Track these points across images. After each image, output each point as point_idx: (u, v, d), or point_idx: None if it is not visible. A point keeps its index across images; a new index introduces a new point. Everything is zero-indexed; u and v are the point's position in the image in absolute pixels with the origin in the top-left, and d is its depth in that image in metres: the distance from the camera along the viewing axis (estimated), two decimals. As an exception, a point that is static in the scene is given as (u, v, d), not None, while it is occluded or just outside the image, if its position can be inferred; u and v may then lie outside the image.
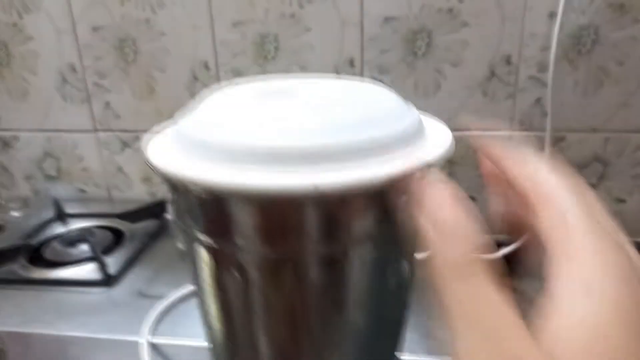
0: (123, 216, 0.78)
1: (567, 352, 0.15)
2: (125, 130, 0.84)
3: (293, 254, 0.22)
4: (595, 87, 0.72)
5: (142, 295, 0.61)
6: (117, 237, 0.75)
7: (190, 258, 0.26)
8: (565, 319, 0.16)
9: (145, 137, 0.26)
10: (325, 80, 0.26)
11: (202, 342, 0.52)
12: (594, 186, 0.77)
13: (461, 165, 0.70)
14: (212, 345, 0.29)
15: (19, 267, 0.67)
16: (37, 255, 0.70)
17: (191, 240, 0.24)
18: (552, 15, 0.68)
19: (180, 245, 0.71)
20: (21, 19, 0.78)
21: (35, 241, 0.74)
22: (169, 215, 0.81)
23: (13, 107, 0.85)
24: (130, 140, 0.85)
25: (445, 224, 0.18)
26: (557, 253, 0.17)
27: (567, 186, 0.18)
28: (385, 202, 0.21)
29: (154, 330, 0.54)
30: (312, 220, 0.21)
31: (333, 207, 0.21)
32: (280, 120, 0.21)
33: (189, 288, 0.60)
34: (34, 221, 0.80)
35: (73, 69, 0.81)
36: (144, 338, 0.52)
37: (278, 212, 0.21)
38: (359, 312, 0.24)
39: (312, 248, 0.21)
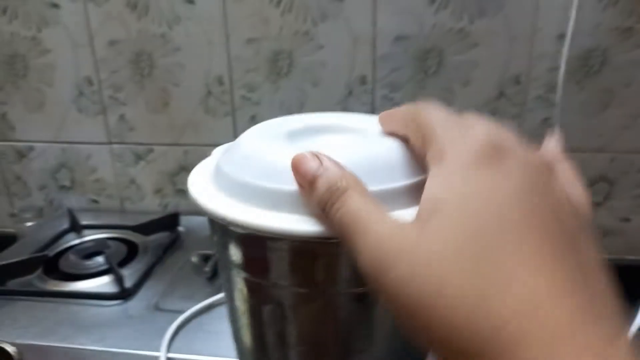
0: (137, 228, 0.79)
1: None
2: (139, 143, 0.85)
3: (324, 291, 0.23)
4: (602, 108, 0.73)
5: (158, 309, 0.62)
6: (131, 249, 0.76)
7: (226, 287, 0.27)
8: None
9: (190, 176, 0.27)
10: (360, 118, 0.28)
11: (218, 358, 0.53)
12: (599, 205, 0.78)
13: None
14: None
15: (36, 279, 0.69)
16: (53, 267, 0.71)
17: (228, 270, 0.26)
18: (561, 36, 0.70)
19: (194, 259, 0.72)
20: (39, 33, 0.80)
21: (50, 252, 0.75)
22: (182, 228, 0.82)
23: (29, 119, 0.87)
24: (144, 153, 0.86)
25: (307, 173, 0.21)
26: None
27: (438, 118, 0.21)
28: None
29: (171, 346, 0.55)
30: (341, 263, 0.22)
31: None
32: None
33: (205, 302, 0.61)
34: (49, 231, 0.81)
35: (89, 82, 0.82)
36: (162, 353, 0.54)
37: (310, 253, 0.22)
38: (384, 347, 0.25)
39: (341, 286, 0.23)
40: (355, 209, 0.20)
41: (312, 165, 0.21)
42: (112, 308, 0.63)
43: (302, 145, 0.24)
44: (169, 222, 0.81)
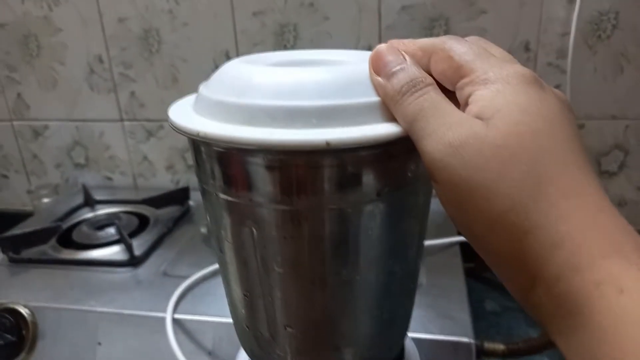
0: (148, 202, 0.80)
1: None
2: (150, 120, 0.87)
3: (306, 207, 0.23)
4: (615, 73, 0.71)
5: (166, 275, 0.64)
6: (143, 222, 0.78)
7: (210, 214, 0.27)
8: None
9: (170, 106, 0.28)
10: (339, 51, 0.28)
11: (222, 319, 0.54)
12: (614, 174, 0.76)
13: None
14: (230, 300, 0.30)
15: (49, 248, 0.70)
16: (67, 238, 0.73)
17: (209, 197, 0.26)
18: (571, 0, 0.68)
19: (203, 230, 0.73)
20: (51, 12, 0.82)
21: (65, 224, 0.77)
22: (192, 202, 0.83)
23: (43, 98, 0.89)
24: (155, 130, 0.87)
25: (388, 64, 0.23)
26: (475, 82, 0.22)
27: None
28: (393, 160, 0.23)
29: (177, 307, 0.56)
30: (324, 176, 0.22)
31: (344, 163, 0.22)
32: (295, 83, 0.22)
33: (211, 268, 0.62)
34: (64, 206, 0.83)
35: (100, 59, 0.84)
36: (168, 314, 0.55)
37: (291, 167, 0.22)
38: (371, 266, 0.25)
39: (323, 202, 0.23)
40: (437, 97, 0.22)
41: (396, 58, 0.23)
42: (122, 274, 0.64)
43: (279, 68, 0.24)
44: (180, 195, 0.82)
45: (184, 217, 0.79)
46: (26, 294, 0.60)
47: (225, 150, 0.23)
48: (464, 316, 0.52)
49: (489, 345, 0.53)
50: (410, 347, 0.35)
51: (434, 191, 0.27)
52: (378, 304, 0.27)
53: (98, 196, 0.85)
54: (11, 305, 0.58)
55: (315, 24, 0.75)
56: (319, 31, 0.76)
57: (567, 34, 0.70)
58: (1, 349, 0.56)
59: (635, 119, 0.73)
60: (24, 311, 0.58)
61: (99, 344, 0.56)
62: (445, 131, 0.21)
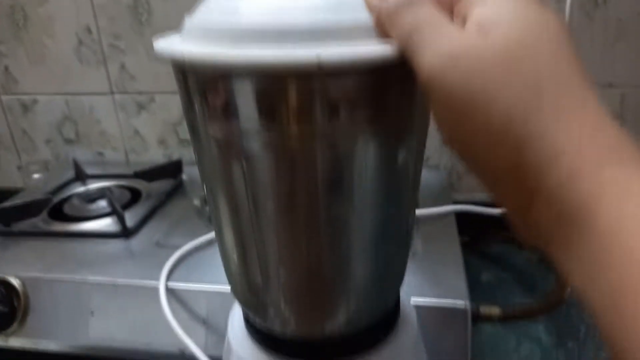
0: (140, 175, 0.79)
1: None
2: (141, 92, 0.85)
3: (297, 137, 0.22)
4: (613, 41, 0.70)
5: (159, 245, 0.63)
6: (135, 195, 0.77)
7: (200, 155, 0.26)
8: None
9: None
10: None
11: (216, 286, 0.53)
12: (610, 143, 0.76)
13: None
14: (223, 250, 0.29)
15: (40, 221, 0.69)
16: (58, 211, 0.72)
17: (199, 133, 0.25)
18: (568, -35, 0.67)
19: (197, 202, 0.72)
20: (37, -19, 0.80)
21: (56, 198, 0.76)
22: (185, 176, 0.82)
23: (31, 71, 0.87)
24: (146, 103, 0.86)
25: None
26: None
27: None
28: (388, 87, 0.22)
29: (171, 276, 0.55)
30: (315, 100, 0.21)
31: (336, 86, 0.21)
32: (283, 1, 0.21)
33: (205, 237, 0.61)
34: (55, 182, 0.82)
35: (89, 30, 0.82)
36: (161, 283, 0.54)
37: (281, 87, 0.21)
38: (365, 205, 0.25)
39: (315, 131, 0.22)
40: (433, 12, 0.21)
41: None
42: (114, 245, 0.63)
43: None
44: (172, 169, 0.81)
45: (177, 190, 0.78)
46: (17, 266, 0.60)
47: (213, 75, 0.22)
48: (460, 282, 0.52)
49: (484, 309, 0.53)
50: (406, 304, 0.35)
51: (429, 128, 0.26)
52: (372, 247, 0.26)
53: (89, 171, 0.84)
54: (2, 276, 0.57)
55: None
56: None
57: (563, 0, 0.68)
58: (-7, 319, 0.56)
59: (632, 87, 0.72)
60: (15, 282, 0.57)
61: (92, 313, 0.55)
62: (442, 43, 0.20)
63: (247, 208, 0.25)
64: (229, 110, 0.22)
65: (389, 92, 0.23)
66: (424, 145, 0.28)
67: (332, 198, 0.24)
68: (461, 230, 0.64)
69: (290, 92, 0.21)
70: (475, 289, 0.66)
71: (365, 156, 0.24)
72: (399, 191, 0.26)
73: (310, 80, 0.21)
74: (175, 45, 0.23)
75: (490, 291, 0.69)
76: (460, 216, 0.67)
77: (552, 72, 0.19)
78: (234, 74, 0.21)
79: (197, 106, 0.24)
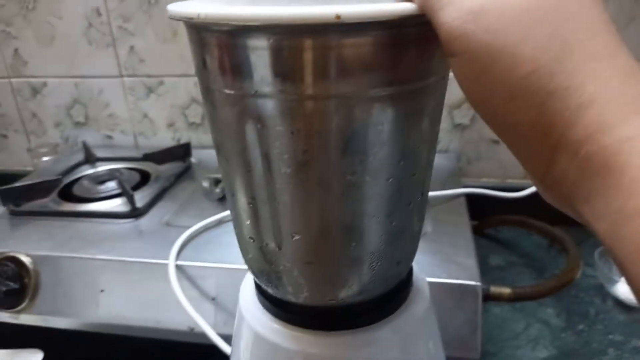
0: (149, 157, 0.79)
1: None
2: (150, 75, 0.85)
3: (313, 96, 0.22)
4: (627, 21, 0.69)
5: (168, 225, 0.63)
6: (144, 177, 0.77)
7: (213, 118, 0.26)
8: None
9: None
10: None
11: (225, 264, 0.54)
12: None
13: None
14: (235, 215, 0.29)
15: (50, 201, 0.70)
16: (67, 192, 0.72)
17: (213, 94, 0.25)
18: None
19: (205, 184, 0.72)
20: (46, -38, 0.79)
21: (65, 179, 0.76)
22: (194, 159, 0.82)
23: (41, 54, 0.87)
24: (155, 86, 0.86)
25: None
26: None
27: None
28: (407, 46, 0.21)
29: (180, 255, 0.56)
30: (332, 58, 0.21)
31: (354, 44, 0.21)
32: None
33: (214, 217, 0.61)
34: (64, 164, 0.82)
35: (98, 12, 0.82)
36: (170, 260, 0.54)
37: (298, 47, 0.21)
38: (380, 167, 0.24)
39: (332, 90, 0.22)
40: None
41: None
42: (124, 225, 0.64)
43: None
44: (181, 152, 0.81)
45: (186, 173, 0.79)
46: (27, 244, 0.60)
47: (228, 34, 0.22)
48: (470, 261, 0.52)
49: (495, 289, 0.52)
50: (419, 276, 0.35)
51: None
52: (387, 210, 0.26)
53: (99, 154, 0.84)
54: (12, 254, 0.58)
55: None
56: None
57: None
58: (4, 296, 0.56)
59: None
60: (25, 259, 0.57)
61: (102, 291, 0.55)
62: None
63: (260, 169, 0.25)
64: (244, 70, 0.22)
65: (406, 52, 0.23)
66: (441, 108, 0.27)
67: (348, 159, 0.24)
68: (471, 214, 0.63)
69: (306, 52, 0.21)
70: (485, 272, 0.66)
71: (381, 118, 0.23)
72: (414, 154, 0.26)
73: (328, 39, 0.21)
74: (190, 5, 0.22)
75: (500, 275, 0.69)
76: (470, 200, 0.66)
77: (577, 23, 0.19)
78: (250, 34, 0.21)
79: (210, 66, 0.24)
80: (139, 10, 0.80)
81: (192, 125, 0.88)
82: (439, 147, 0.80)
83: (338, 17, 0.19)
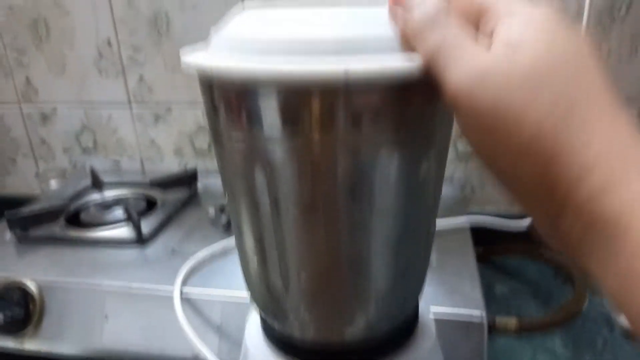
0: (156, 184, 0.80)
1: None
2: (158, 103, 0.86)
3: (321, 144, 0.23)
4: (629, 55, 0.70)
5: (174, 252, 0.63)
6: (150, 204, 0.77)
7: (222, 161, 0.27)
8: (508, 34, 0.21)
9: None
10: None
11: (231, 292, 0.54)
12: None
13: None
14: (242, 253, 0.30)
15: (57, 227, 0.70)
16: (74, 218, 0.73)
17: (222, 138, 0.25)
18: (584, -21, 0.67)
19: (211, 211, 0.72)
20: (60, -6, 0.82)
21: (72, 205, 0.77)
22: (200, 185, 0.83)
23: (52, 81, 0.89)
24: (163, 113, 0.87)
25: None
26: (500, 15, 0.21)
27: None
28: (413, 98, 0.22)
29: (186, 283, 0.56)
30: (341, 110, 0.22)
31: (362, 97, 0.22)
32: (313, 16, 0.22)
33: (220, 245, 0.62)
34: (71, 189, 0.83)
35: (109, 42, 0.84)
36: (176, 288, 0.54)
37: (307, 100, 0.22)
38: (387, 210, 0.25)
39: (340, 139, 0.22)
40: (460, 30, 0.21)
41: None
42: (130, 252, 0.64)
43: (296, 4, 0.24)
44: (188, 178, 0.81)
45: (192, 200, 0.79)
46: (33, 270, 0.60)
47: (239, 85, 0.23)
48: (475, 292, 0.52)
49: (500, 320, 0.52)
50: (424, 312, 0.35)
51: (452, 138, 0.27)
52: (394, 250, 0.26)
53: (106, 179, 0.85)
54: (18, 280, 0.58)
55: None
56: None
57: (581, 14, 0.69)
58: (9, 322, 0.56)
59: (648, 102, 0.72)
60: (31, 286, 0.58)
61: (106, 318, 0.56)
62: (469, 61, 0.20)
63: (268, 213, 0.25)
64: (254, 120, 0.23)
65: (412, 104, 0.23)
66: (446, 154, 0.28)
67: (353, 206, 0.24)
68: (475, 242, 0.63)
69: (314, 104, 0.22)
70: (490, 301, 0.65)
71: (387, 165, 0.24)
72: (419, 200, 0.26)
73: (336, 92, 0.22)
74: (202, 57, 0.23)
75: (505, 303, 0.69)
76: (475, 228, 0.67)
77: (581, 87, 0.19)
78: (261, 87, 0.22)
79: (221, 114, 0.25)
80: (148, 41, 0.82)
81: (199, 151, 0.89)
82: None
83: (347, 73, 0.20)
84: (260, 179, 0.25)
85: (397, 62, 0.21)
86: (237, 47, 0.22)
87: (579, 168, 0.18)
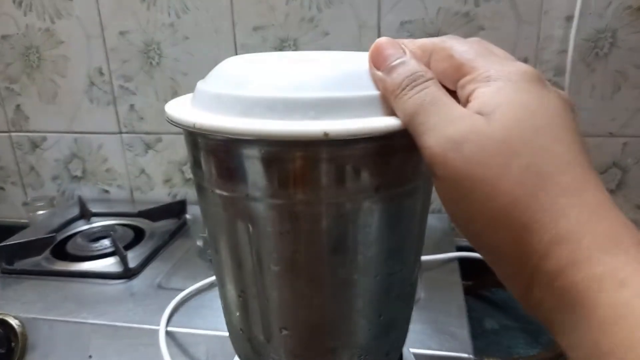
0: (144, 214, 0.80)
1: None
2: (148, 132, 0.86)
3: (303, 202, 0.23)
4: (613, 91, 0.72)
5: (161, 287, 0.63)
6: (138, 234, 0.77)
7: (205, 212, 0.27)
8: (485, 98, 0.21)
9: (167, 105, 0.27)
10: (341, 52, 0.28)
11: (216, 332, 0.53)
12: (612, 192, 0.76)
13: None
14: (225, 303, 0.29)
15: (43, 260, 0.69)
16: (61, 249, 0.72)
17: (206, 192, 0.26)
18: (569, 18, 0.69)
19: (200, 243, 0.72)
20: (53, 24, 0.82)
21: (59, 236, 0.76)
22: (189, 215, 0.83)
23: (42, 109, 0.89)
24: (153, 143, 0.87)
25: (387, 58, 0.23)
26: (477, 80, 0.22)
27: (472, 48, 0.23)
28: (392, 155, 0.22)
29: (171, 320, 0.55)
30: (321, 169, 0.22)
31: (342, 156, 0.22)
32: (294, 75, 0.22)
33: (206, 281, 0.61)
34: (59, 219, 0.82)
35: (100, 72, 0.84)
36: (161, 327, 0.53)
37: (288, 159, 0.22)
38: (369, 265, 0.25)
39: (321, 197, 0.22)
40: (437, 92, 0.22)
41: (396, 51, 0.23)
42: (116, 286, 0.63)
43: (278, 61, 0.24)
44: (177, 208, 0.81)
45: (181, 230, 0.79)
46: (17, 305, 0.59)
47: (222, 143, 0.23)
48: (463, 332, 0.51)
49: (488, 361, 0.52)
50: (408, 358, 0.34)
51: (433, 192, 0.27)
52: (376, 306, 0.26)
53: (94, 209, 0.85)
54: (1, 316, 0.57)
55: (314, 39, 0.76)
56: (319, 46, 0.76)
57: (565, 51, 0.70)
58: (-10, 360, 0.55)
59: (633, 137, 0.73)
60: (13, 322, 0.57)
61: (90, 357, 0.55)
62: (445, 126, 0.20)
63: (250, 266, 0.25)
64: (237, 175, 0.23)
65: (392, 159, 0.24)
66: (428, 205, 0.28)
67: (336, 259, 0.24)
68: (464, 275, 0.63)
69: (296, 163, 0.22)
70: (479, 337, 0.65)
71: (369, 219, 0.24)
72: (402, 250, 0.27)
73: (317, 151, 0.22)
74: (186, 112, 0.23)
75: (494, 339, 0.68)
76: (463, 260, 0.67)
77: (551, 159, 0.20)
78: (243, 144, 0.22)
79: (204, 167, 0.25)
80: (140, 71, 0.83)
81: (188, 181, 0.89)
82: (432, 207, 0.80)
83: (326, 134, 0.20)
84: (242, 234, 0.25)
85: (375, 123, 0.21)
86: (220, 103, 0.23)
87: (547, 241, 0.19)
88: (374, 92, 0.23)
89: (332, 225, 0.23)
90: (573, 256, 0.18)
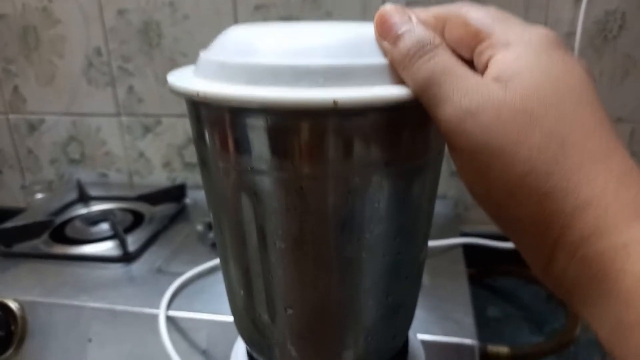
0: (143, 198, 0.79)
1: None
2: (148, 115, 0.85)
3: (309, 175, 0.22)
4: (622, 76, 0.70)
5: (160, 271, 0.62)
6: (137, 218, 0.76)
7: (208, 188, 0.26)
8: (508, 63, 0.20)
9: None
10: (345, 22, 0.26)
11: (217, 316, 0.52)
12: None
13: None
14: (228, 283, 0.29)
15: (42, 243, 0.68)
16: (59, 233, 0.71)
17: (209, 166, 0.24)
18: (577, 0, 0.67)
19: (200, 228, 0.71)
20: (50, 3, 0.80)
21: (58, 220, 0.75)
22: (189, 200, 0.82)
23: (40, 91, 0.87)
24: (152, 125, 0.86)
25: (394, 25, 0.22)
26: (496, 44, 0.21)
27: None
28: (403, 127, 0.21)
29: (171, 304, 0.54)
30: (329, 140, 0.21)
31: (351, 127, 0.21)
32: (301, 42, 0.21)
33: (207, 265, 0.60)
34: (57, 203, 0.81)
35: (99, 52, 0.82)
36: (161, 311, 0.53)
37: (295, 130, 0.21)
38: (377, 244, 0.24)
39: (328, 170, 0.21)
40: (448, 60, 0.21)
41: (401, 19, 0.22)
42: (115, 270, 0.62)
43: (284, 28, 0.23)
44: (176, 193, 0.80)
45: (180, 214, 0.78)
46: (16, 289, 0.59)
47: (226, 112, 0.22)
48: (467, 318, 0.51)
49: (492, 348, 0.51)
50: (414, 343, 0.34)
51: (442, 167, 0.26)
52: (383, 286, 0.25)
53: (93, 192, 0.84)
54: (0, 299, 0.56)
55: (317, 19, 0.74)
56: (322, 28, 0.74)
57: (573, 34, 0.69)
58: (-12, 344, 0.54)
59: (641, 122, 0.72)
60: (13, 306, 0.56)
61: (90, 340, 0.54)
62: (460, 97, 0.19)
63: (255, 243, 0.24)
64: (242, 147, 0.22)
65: (402, 131, 0.23)
66: (437, 182, 0.27)
67: (343, 236, 0.23)
68: (468, 262, 0.62)
69: (303, 133, 0.21)
70: (482, 325, 0.65)
71: (378, 194, 0.23)
72: (411, 229, 0.26)
73: (325, 122, 0.21)
74: (190, 82, 0.22)
75: (498, 328, 0.68)
76: (468, 247, 0.66)
77: (574, 121, 0.19)
78: (248, 114, 0.21)
79: (208, 140, 0.24)
80: (139, 52, 0.81)
81: (188, 165, 0.87)
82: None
83: (335, 103, 0.19)
84: (246, 210, 0.24)
85: (386, 92, 0.20)
86: (225, 72, 0.21)
87: (571, 209, 0.18)
88: (385, 60, 0.21)
89: (340, 200, 0.22)
90: (598, 224, 0.17)
